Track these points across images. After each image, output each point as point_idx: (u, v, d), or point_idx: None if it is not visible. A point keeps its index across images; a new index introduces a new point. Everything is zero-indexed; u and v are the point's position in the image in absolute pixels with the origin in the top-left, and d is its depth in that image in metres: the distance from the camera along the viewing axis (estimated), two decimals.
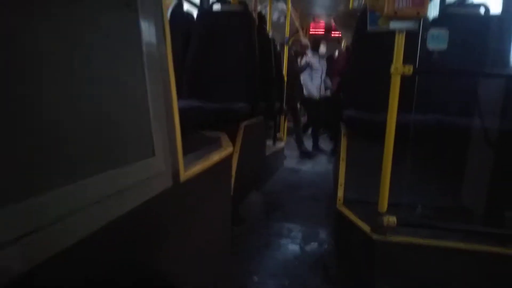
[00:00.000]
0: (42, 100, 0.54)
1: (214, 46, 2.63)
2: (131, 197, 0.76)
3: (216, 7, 2.95)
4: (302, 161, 4.30)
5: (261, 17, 3.60)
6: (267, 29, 3.82)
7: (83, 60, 0.64)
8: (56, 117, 0.56)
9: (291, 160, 4.28)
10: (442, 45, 1.32)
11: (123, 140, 0.76)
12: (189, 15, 2.93)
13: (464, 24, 2.04)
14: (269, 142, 3.54)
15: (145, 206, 0.80)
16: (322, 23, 8.41)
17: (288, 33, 5.08)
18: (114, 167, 0.71)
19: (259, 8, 4.45)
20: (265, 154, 3.11)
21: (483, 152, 1.50)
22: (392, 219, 1.27)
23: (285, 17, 5.12)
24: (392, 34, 1.28)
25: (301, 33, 7.20)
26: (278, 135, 4.14)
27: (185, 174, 1.03)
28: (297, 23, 6.85)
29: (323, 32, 8.04)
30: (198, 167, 1.12)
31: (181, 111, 1.05)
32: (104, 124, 0.70)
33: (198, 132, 1.68)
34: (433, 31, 1.33)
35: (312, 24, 8.51)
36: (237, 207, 2.16)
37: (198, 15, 2.84)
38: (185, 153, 1.06)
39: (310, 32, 8.45)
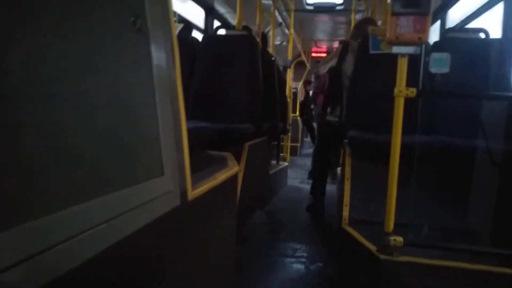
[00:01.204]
0: (53, 121, 0.55)
1: (219, 69, 2.69)
2: (140, 216, 0.77)
3: (221, 32, 3.03)
4: (305, 180, 4.29)
5: (264, 38, 3.68)
6: (271, 51, 3.90)
7: (94, 83, 0.66)
8: (67, 138, 0.58)
9: (294, 180, 4.28)
10: (444, 68, 1.35)
11: (133, 161, 0.78)
12: (194, 39, 3.01)
13: (465, 48, 2.09)
14: (273, 162, 3.56)
15: (154, 225, 0.81)
16: (324, 47, 8.58)
17: (290, 56, 5.18)
18: (124, 187, 0.73)
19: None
20: (269, 174, 3.12)
21: (488, 173, 1.50)
22: (398, 239, 1.26)
23: (288, 41, 5.23)
24: (394, 57, 1.31)
25: (303, 56, 7.33)
26: (281, 155, 4.16)
27: (192, 193, 1.04)
28: (299, 47, 6.98)
29: (325, 56, 8.18)
30: (205, 186, 1.14)
31: (187, 131, 1.08)
32: (115, 145, 0.71)
33: (204, 151, 1.70)
34: (435, 55, 1.36)
35: (314, 48, 8.68)
36: (241, 226, 2.15)
37: (203, 40, 2.91)
38: (192, 172, 1.07)
39: (312, 56, 8.60)
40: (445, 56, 1.38)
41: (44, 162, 0.52)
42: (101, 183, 0.65)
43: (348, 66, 2.57)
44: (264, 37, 3.78)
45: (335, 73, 2.71)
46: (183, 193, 0.99)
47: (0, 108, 0.46)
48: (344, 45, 2.77)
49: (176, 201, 0.95)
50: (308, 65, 7.31)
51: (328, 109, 2.78)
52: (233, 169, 1.45)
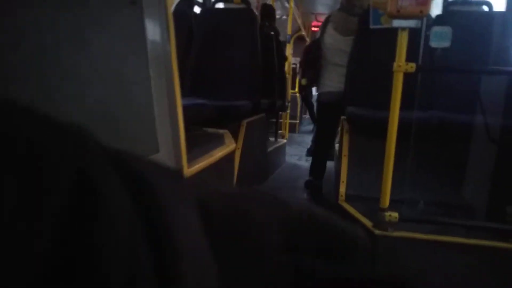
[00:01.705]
0: (45, 98, 0.54)
1: (217, 44, 2.64)
2: None
3: (219, 5, 2.96)
4: (303, 157, 4.30)
5: (270, 12, 3.59)
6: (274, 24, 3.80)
7: (87, 58, 0.65)
8: (59, 116, 0.57)
9: (292, 157, 4.29)
10: (446, 43, 1.32)
11: (127, 137, 0.77)
12: (191, 12, 2.94)
13: (467, 21, 2.04)
14: (271, 139, 3.56)
15: None
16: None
17: (290, 31, 5.08)
18: None
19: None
20: (267, 151, 3.12)
21: (485, 148, 1.50)
22: (394, 215, 1.28)
23: (287, 15, 5.12)
24: (394, 31, 1.28)
25: (303, 31, 7.20)
26: (280, 132, 4.15)
27: (188, 171, 1.04)
28: (299, 21, 6.84)
29: None
30: (201, 164, 1.14)
31: (184, 108, 1.07)
32: (109, 121, 0.71)
33: (200, 129, 1.69)
34: (436, 29, 1.33)
35: (314, 22, 8.50)
36: None
37: (200, 13, 2.85)
38: (188, 149, 1.07)
39: (312, 30, 8.45)
40: (446, 30, 1.35)
41: None
42: None
43: (327, 37, 2.55)
44: (271, 10, 3.65)
45: (313, 44, 2.71)
46: (179, 171, 0.99)
47: None
48: (327, 16, 2.75)
49: None
50: (308, 39, 7.19)
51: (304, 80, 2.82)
52: (230, 146, 1.44)
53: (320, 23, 8.23)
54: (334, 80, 2.51)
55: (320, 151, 2.82)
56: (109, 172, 0.13)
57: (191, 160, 1.07)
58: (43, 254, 0.10)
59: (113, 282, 0.11)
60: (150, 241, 0.13)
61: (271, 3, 4.79)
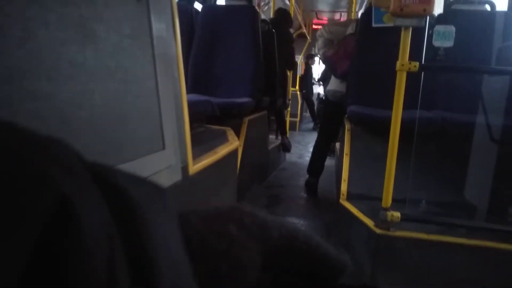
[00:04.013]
0: (53, 96, 0.54)
1: (218, 41, 2.64)
2: None
3: (220, 1, 2.95)
4: (303, 155, 4.31)
5: (287, 15, 3.62)
6: (289, 25, 3.80)
7: (93, 55, 0.65)
8: (67, 113, 0.57)
9: (292, 155, 4.29)
10: (449, 42, 1.32)
11: (134, 134, 0.77)
12: (194, 10, 2.93)
13: (469, 20, 2.04)
14: (271, 137, 3.56)
15: None
16: (325, 19, 8.38)
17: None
18: (125, 161, 0.72)
19: (262, 3, 4.42)
20: (268, 148, 3.13)
21: (487, 149, 1.51)
22: (396, 214, 1.28)
23: None
24: (397, 30, 1.28)
25: (304, 28, 7.18)
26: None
27: (193, 168, 1.04)
28: (299, 19, 6.83)
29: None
30: (206, 161, 1.14)
31: (187, 105, 1.06)
32: (115, 119, 0.70)
33: (204, 125, 1.69)
34: (439, 28, 1.33)
35: (315, 20, 8.49)
36: (239, 200, 2.17)
37: (202, 10, 2.84)
38: (193, 146, 1.07)
39: (313, 28, 8.43)
40: (449, 29, 1.35)
41: None
42: (100, 158, 0.65)
43: None
44: (286, 14, 3.66)
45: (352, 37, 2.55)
46: (184, 168, 0.99)
47: None
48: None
49: (177, 176, 0.96)
50: (309, 37, 7.17)
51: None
52: (233, 143, 1.45)
53: (321, 21, 8.16)
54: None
55: (320, 149, 2.81)
56: (90, 192, 0.13)
57: (196, 157, 1.07)
58: (19, 269, 0.10)
59: None
60: (129, 257, 0.13)
61: (271, 0, 4.78)
